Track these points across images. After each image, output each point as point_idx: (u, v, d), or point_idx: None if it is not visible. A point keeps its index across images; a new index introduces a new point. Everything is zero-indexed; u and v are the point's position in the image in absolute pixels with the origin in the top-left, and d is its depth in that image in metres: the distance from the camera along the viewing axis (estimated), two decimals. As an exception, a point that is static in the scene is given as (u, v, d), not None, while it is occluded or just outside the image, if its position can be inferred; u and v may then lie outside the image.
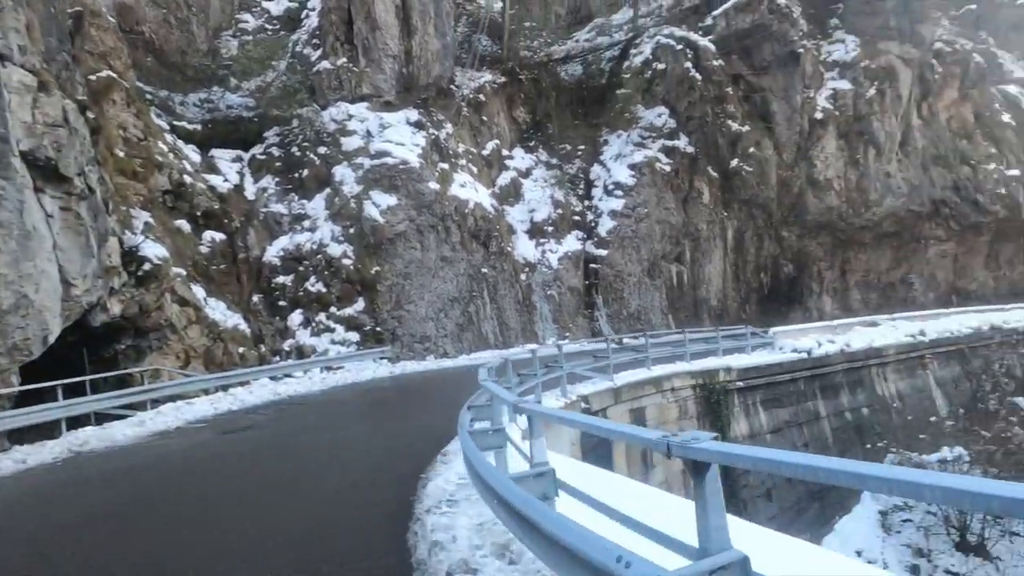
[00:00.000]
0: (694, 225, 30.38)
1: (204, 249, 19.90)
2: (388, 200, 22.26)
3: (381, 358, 20.10)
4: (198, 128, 23.21)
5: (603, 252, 27.29)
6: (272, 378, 17.45)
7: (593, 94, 32.61)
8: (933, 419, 21.53)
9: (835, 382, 20.23)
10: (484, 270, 23.35)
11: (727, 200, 31.68)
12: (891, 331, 23.00)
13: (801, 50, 32.36)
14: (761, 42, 32.70)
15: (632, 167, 28.80)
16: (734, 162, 31.36)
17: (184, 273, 17.92)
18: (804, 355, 19.23)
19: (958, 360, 24.67)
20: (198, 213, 20.09)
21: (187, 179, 19.89)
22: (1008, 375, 24.31)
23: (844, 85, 34.00)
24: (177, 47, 26.05)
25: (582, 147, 30.51)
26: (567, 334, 25.52)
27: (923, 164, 36.64)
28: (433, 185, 23.35)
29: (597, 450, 11.24)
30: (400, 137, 23.63)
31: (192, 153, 21.89)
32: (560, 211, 27.41)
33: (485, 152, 27.76)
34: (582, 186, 29.31)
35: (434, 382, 17.13)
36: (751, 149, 31.73)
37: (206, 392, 15.67)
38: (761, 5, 32.71)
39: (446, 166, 24.68)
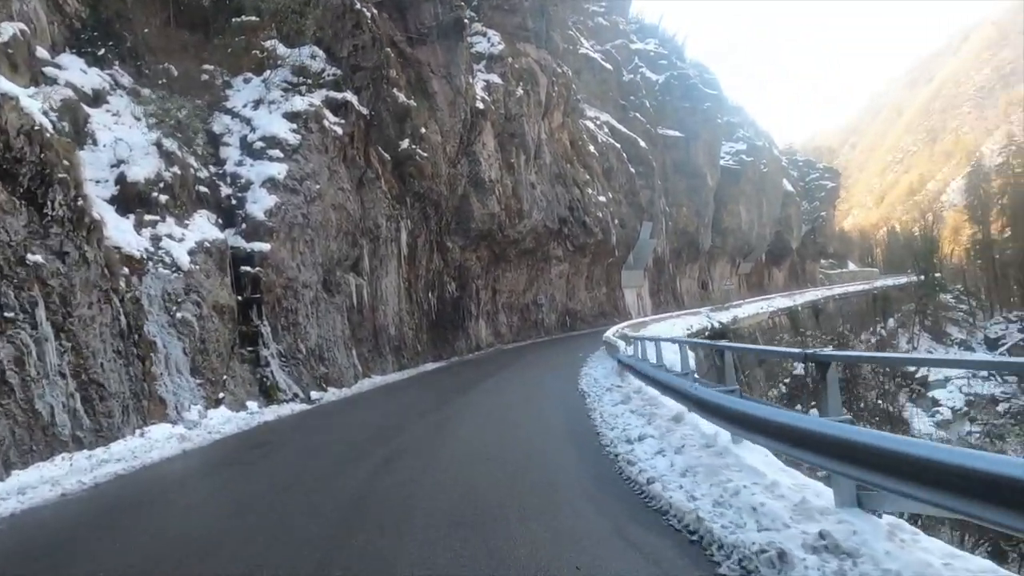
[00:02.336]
0: (372, 219, 20.82)
1: None
2: None
3: None
4: None
5: (262, 246, 15.48)
6: None
7: (196, 13, 20.03)
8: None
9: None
10: (36, 258, 9.47)
11: (401, 192, 23.11)
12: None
13: (467, 20, 26.50)
14: (420, 1, 25.62)
15: (292, 118, 17.76)
16: (405, 143, 23.13)
17: None
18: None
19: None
20: None
21: None
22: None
23: (495, 79, 29.55)
24: None
25: (192, 81, 17.85)
26: (221, 394, 12.93)
27: (551, 179, 34.96)
28: None
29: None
30: None
31: None
32: (178, 171, 14.57)
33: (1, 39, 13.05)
34: (200, 139, 16.74)
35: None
36: (423, 130, 24.05)
37: None
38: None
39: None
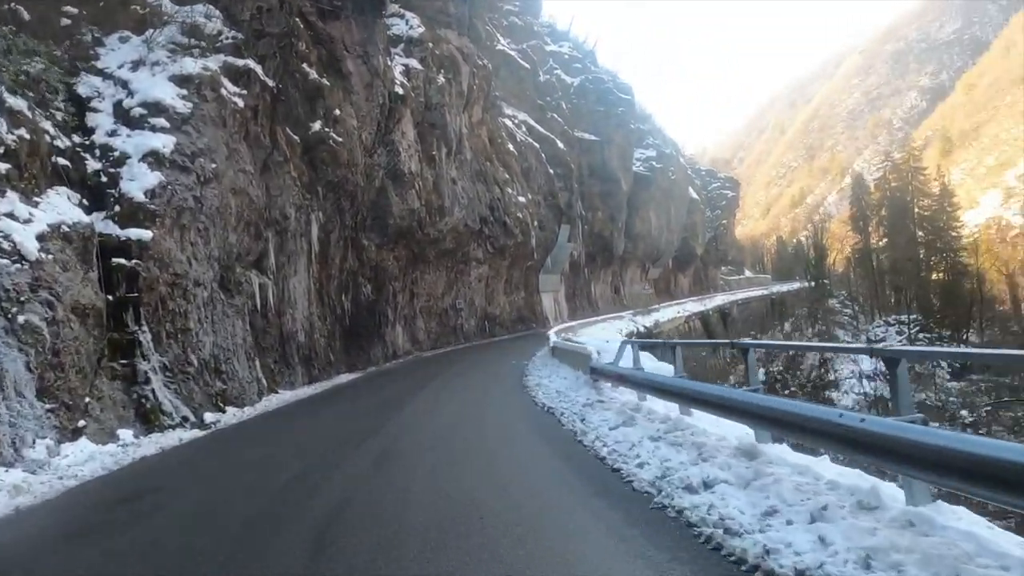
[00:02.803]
0: (280, 209, 17.86)
1: None
2: None
3: None
4: None
5: (141, 234, 12.35)
6: None
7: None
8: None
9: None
10: None
11: (312, 180, 20.20)
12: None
13: (387, -6, 23.94)
14: (333, -31, 22.78)
15: (181, 82, 14.62)
16: (316, 124, 20.26)
17: None
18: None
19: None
20: None
21: None
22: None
23: (415, 64, 27.09)
24: None
25: (49, 29, 14.37)
26: (82, 422, 9.84)
27: (472, 176, 32.85)
28: None
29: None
30: None
31: None
32: (26, 135, 11.28)
33: None
34: (61, 101, 13.36)
35: None
36: (336, 112, 21.25)
37: None
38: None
39: None
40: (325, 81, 20.82)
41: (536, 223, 40.05)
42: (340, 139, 20.98)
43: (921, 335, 67.16)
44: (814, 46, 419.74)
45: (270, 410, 14.24)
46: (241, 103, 16.10)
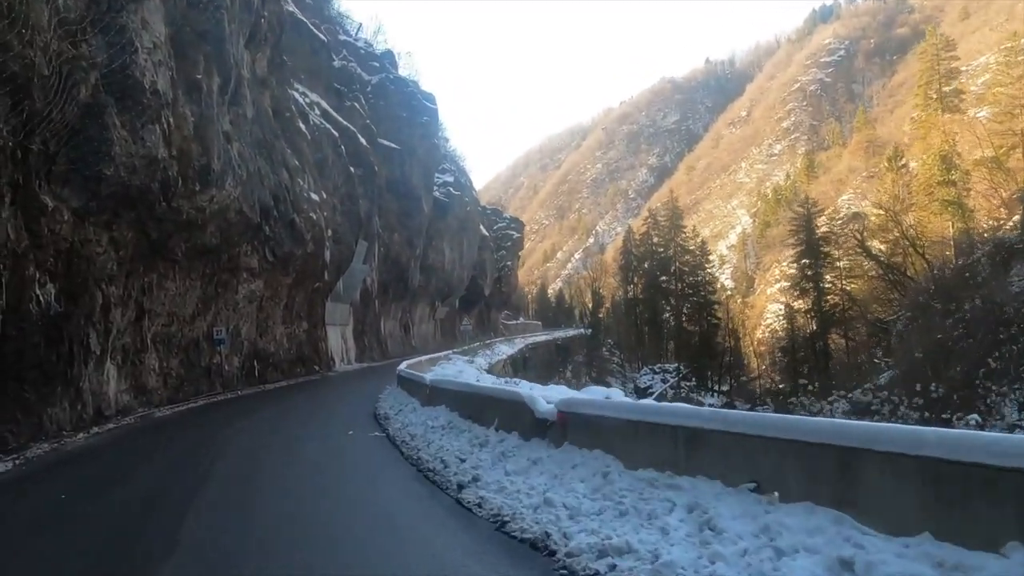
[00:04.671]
0: None
1: None
2: None
3: None
4: None
5: None
6: None
7: None
8: None
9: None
10: None
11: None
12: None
13: None
14: None
15: None
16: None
17: None
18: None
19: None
20: None
21: None
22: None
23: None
24: None
25: None
26: None
27: (255, 143, 21.90)
28: None
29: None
30: None
31: None
32: None
33: None
34: None
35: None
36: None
37: None
38: None
39: None
40: None
41: (331, 232, 29.72)
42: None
43: (682, 383, 69.15)
44: (565, 113, 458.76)
45: None
46: None
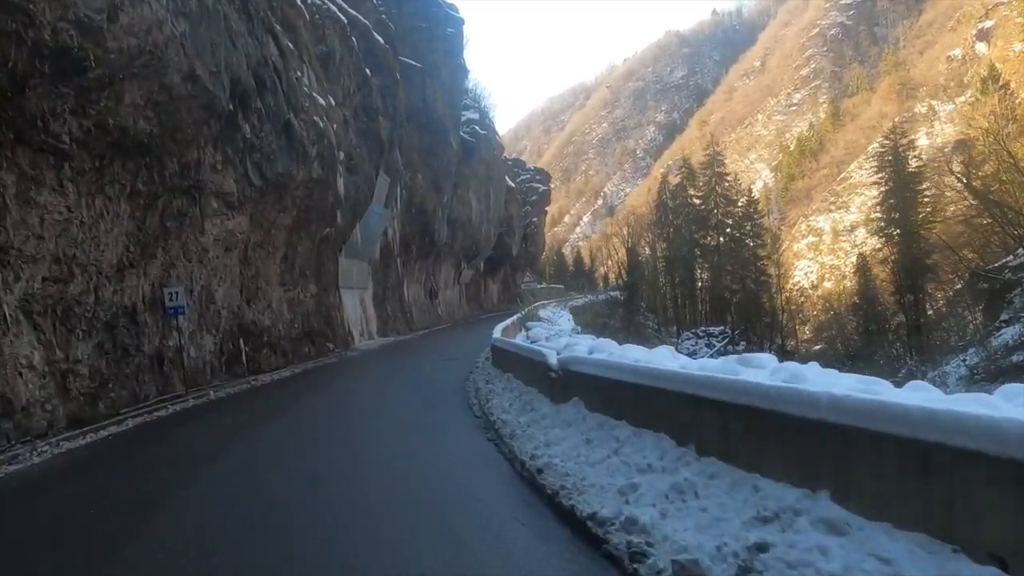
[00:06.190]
0: None
1: None
2: None
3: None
4: None
5: None
6: None
7: None
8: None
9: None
10: None
11: None
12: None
13: None
14: None
15: None
16: None
17: None
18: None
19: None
20: None
21: None
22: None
23: None
24: None
25: None
26: None
27: (216, -32, 12.55)
28: None
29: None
30: None
31: None
32: None
33: None
34: None
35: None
36: None
37: None
38: None
39: None
40: None
41: (342, 155, 20.53)
42: None
43: (730, 347, 60.55)
44: (567, 73, 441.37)
45: None
46: None
